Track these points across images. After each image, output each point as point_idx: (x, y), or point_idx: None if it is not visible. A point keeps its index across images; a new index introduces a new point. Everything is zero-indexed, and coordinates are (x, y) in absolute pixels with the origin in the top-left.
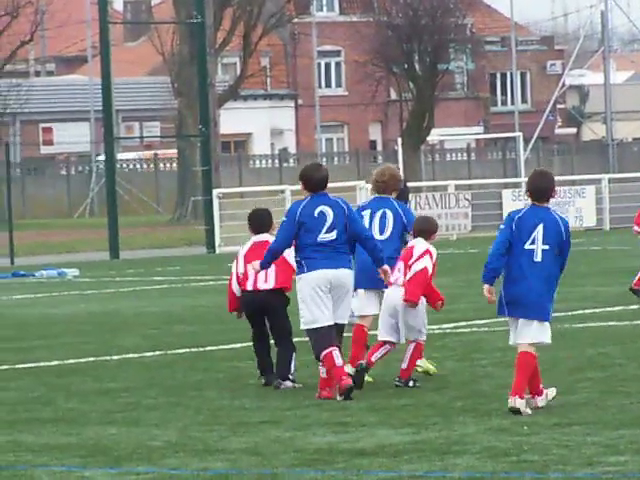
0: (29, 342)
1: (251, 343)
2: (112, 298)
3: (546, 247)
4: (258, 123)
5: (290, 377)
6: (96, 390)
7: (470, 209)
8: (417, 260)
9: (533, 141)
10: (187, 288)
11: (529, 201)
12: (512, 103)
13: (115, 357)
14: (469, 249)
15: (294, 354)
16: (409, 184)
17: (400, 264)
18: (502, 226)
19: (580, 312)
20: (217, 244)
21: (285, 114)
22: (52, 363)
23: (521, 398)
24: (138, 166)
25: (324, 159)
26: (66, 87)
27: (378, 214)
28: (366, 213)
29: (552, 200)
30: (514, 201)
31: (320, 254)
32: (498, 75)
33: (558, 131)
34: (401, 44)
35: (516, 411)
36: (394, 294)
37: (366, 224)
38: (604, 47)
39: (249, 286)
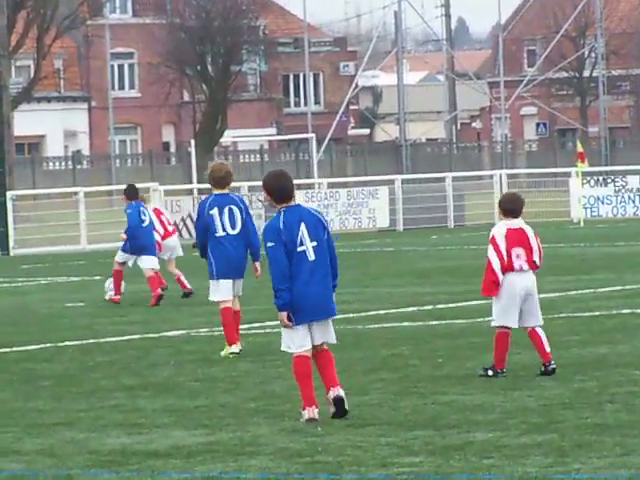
0: None
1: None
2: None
3: (314, 244)
4: (52, 125)
5: None
6: None
7: (264, 210)
8: (536, 239)
9: (326, 142)
10: None
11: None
12: (305, 104)
13: None
14: (262, 251)
15: None
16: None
17: (519, 250)
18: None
19: (374, 313)
20: (11, 246)
21: (79, 116)
22: None
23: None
24: None
25: (117, 161)
26: None
27: (226, 211)
28: (215, 212)
29: (344, 200)
30: (307, 202)
31: None
32: (291, 76)
33: (351, 132)
34: (194, 46)
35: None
36: (523, 280)
37: (218, 222)
38: (397, 48)
39: None
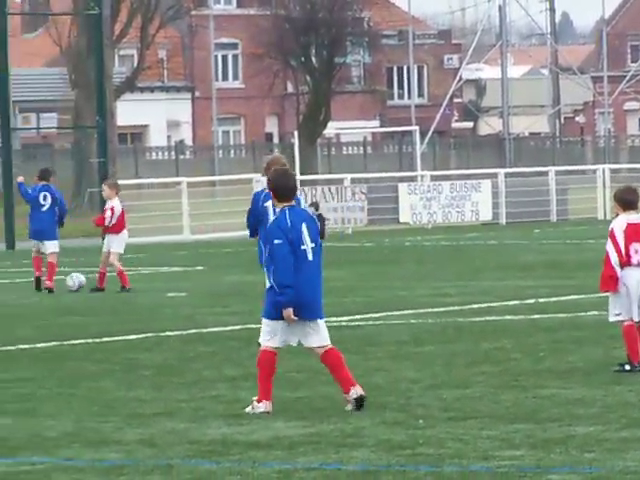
0: None
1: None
2: (6, 289)
3: (313, 245)
4: (155, 115)
5: None
6: None
7: (366, 203)
8: None
9: (429, 135)
10: (87, 279)
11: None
12: (409, 97)
13: (8, 347)
14: (365, 242)
15: None
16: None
17: (638, 245)
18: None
19: (476, 306)
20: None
21: (182, 106)
22: None
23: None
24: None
25: (220, 151)
26: None
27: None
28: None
29: (447, 193)
30: (410, 195)
31: None
32: (395, 69)
33: (455, 125)
34: (298, 37)
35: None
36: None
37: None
38: (501, 41)
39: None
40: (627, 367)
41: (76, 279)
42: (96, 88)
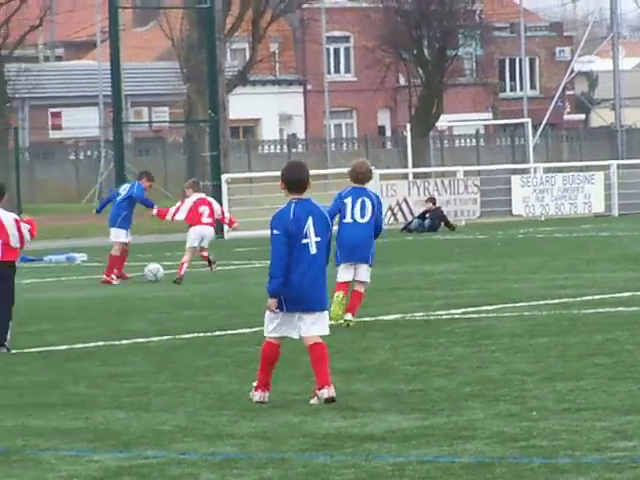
0: (38, 326)
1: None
2: (121, 283)
3: (318, 239)
4: (267, 109)
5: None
6: (105, 374)
7: (479, 195)
8: None
9: (542, 127)
10: (195, 273)
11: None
12: (521, 89)
13: (124, 342)
14: (478, 235)
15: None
16: (418, 170)
17: None
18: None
19: (589, 298)
20: (226, 229)
21: (294, 100)
22: (61, 347)
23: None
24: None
25: (332, 144)
26: (75, 72)
27: (359, 201)
28: (348, 200)
29: (560, 185)
30: (523, 187)
31: None
32: (507, 61)
33: (567, 117)
34: (410, 30)
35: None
36: None
37: (348, 209)
38: (613, 33)
39: None
40: None
41: (154, 271)
42: (208, 82)
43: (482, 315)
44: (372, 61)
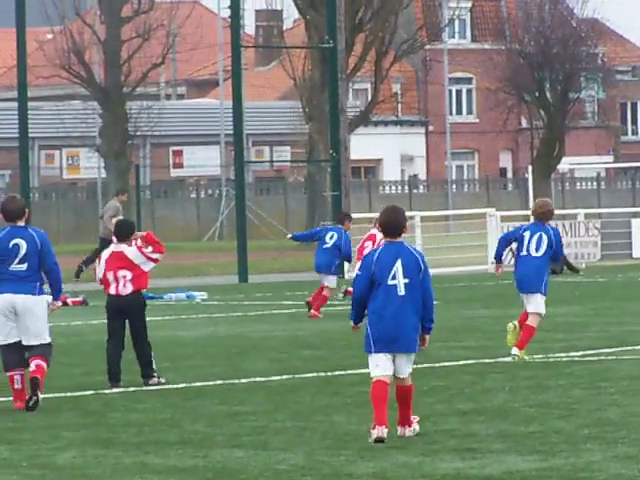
0: (157, 364)
1: None
2: (240, 322)
3: (407, 280)
4: (388, 149)
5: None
6: (223, 413)
7: (599, 238)
8: None
9: None
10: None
11: None
12: None
13: (243, 380)
14: (598, 278)
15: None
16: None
17: None
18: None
19: None
20: (346, 269)
21: (415, 140)
22: (179, 385)
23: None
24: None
25: (454, 186)
26: (197, 110)
27: (535, 236)
28: (526, 234)
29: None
30: None
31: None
32: (628, 104)
33: None
34: (532, 72)
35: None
36: None
37: (525, 242)
38: None
39: (112, 290)
40: None
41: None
42: (330, 121)
43: (601, 357)
44: (494, 103)
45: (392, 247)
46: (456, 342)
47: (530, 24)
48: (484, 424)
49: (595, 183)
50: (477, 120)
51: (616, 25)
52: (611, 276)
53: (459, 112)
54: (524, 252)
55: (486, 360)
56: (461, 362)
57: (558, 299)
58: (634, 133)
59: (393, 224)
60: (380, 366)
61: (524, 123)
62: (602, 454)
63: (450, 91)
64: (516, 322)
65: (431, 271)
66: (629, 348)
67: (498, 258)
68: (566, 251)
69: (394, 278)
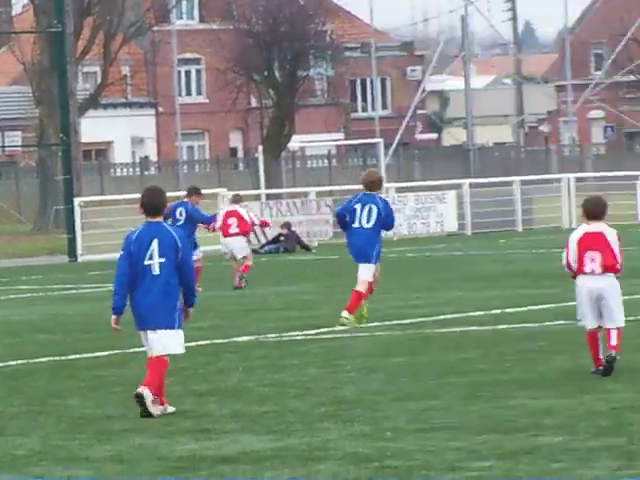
0: None
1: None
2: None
3: (163, 260)
4: (119, 131)
5: None
6: None
7: (331, 216)
8: (617, 242)
9: (394, 147)
10: (50, 297)
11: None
12: (372, 109)
13: None
14: (331, 255)
15: None
16: (270, 191)
17: (593, 254)
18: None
19: (442, 317)
20: (79, 253)
21: (146, 122)
22: None
23: (149, 390)
24: None
25: (185, 167)
26: None
27: (366, 208)
28: (357, 206)
29: (412, 205)
30: None
31: None
32: (358, 81)
33: (419, 136)
34: (261, 51)
35: (140, 396)
36: (596, 282)
37: (357, 214)
38: (464, 52)
39: None
40: (594, 370)
41: None
42: (60, 105)
43: (336, 335)
44: (223, 83)
45: (151, 227)
46: (190, 323)
47: (258, 3)
48: (218, 404)
49: (326, 161)
50: (207, 101)
51: (344, 2)
52: (343, 253)
53: (189, 93)
54: (356, 224)
55: (220, 340)
56: (195, 343)
57: (291, 277)
58: (364, 110)
59: (154, 204)
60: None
61: (254, 102)
62: (338, 432)
63: (179, 72)
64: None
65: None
66: (363, 325)
67: (343, 227)
68: (298, 229)
69: (151, 258)
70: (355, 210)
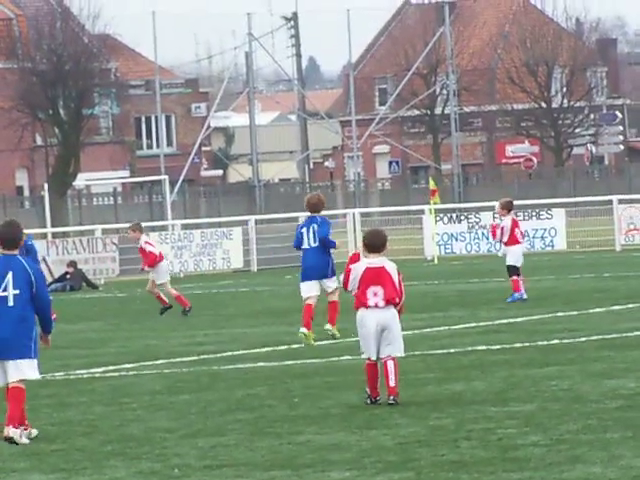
0: None
1: None
2: None
3: (17, 292)
4: None
5: None
6: None
7: (117, 253)
8: (398, 277)
9: (179, 184)
10: None
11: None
12: (157, 146)
13: None
14: (117, 293)
15: None
16: (57, 229)
17: (376, 288)
18: None
19: (229, 353)
20: None
21: None
22: None
23: (15, 428)
24: None
25: None
26: None
27: (311, 229)
28: (304, 230)
29: (198, 241)
30: (161, 244)
31: None
32: (143, 118)
33: (204, 173)
34: (46, 89)
35: (10, 439)
36: (379, 316)
37: (305, 237)
38: (249, 88)
39: None
40: (368, 401)
41: None
42: None
43: (122, 373)
44: (8, 121)
45: (5, 260)
46: None
47: (42, 42)
48: (6, 444)
49: (112, 198)
50: None
51: (128, 40)
52: (130, 291)
53: None
54: (306, 245)
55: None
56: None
57: (77, 316)
58: (149, 147)
59: (6, 237)
60: None
61: (39, 141)
62: (126, 470)
63: None
64: (304, 330)
65: None
66: (149, 363)
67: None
68: (85, 267)
69: (5, 290)
70: (302, 234)
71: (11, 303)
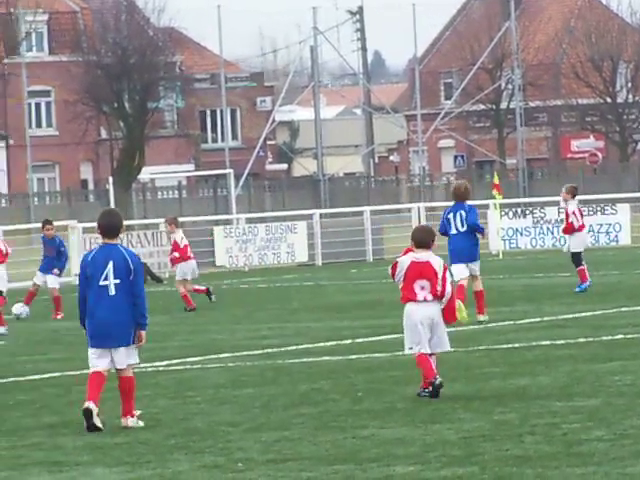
0: None
1: None
2: None
3: (117, 281)
4: None
5: None
6: None
7: None
8: (444, 271)
9: (244, 178)
10: None
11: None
12: (222, 140)
13: None
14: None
15: None
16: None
17: (423, 282)
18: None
19: (293, 348)
20: None
21: None
22: None
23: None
24: None
25: (36, 199)
26: None
27: (458, 214)
28: (450, 216)
29: (263, 235)
30: (225, 237)
31: None
32: (208, 112)
33: (269, 167)
34: (111, 83)
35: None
36: (427, 310)
37: (452, 223)
38: (314, 82)
39: None
40: (427, 394)
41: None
42: None
43: (187, 367)
44: (73, 115)
45: (106, 249)
46: (41, 355)
47: (107, 35)
48: (71, 437)
49: (176, 192)
50: (57, 132)
51: (193, 34)
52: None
53: (39, 125)
54: (454, 231)
55: (70, 372)
56: (46, 375)
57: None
58: (214, 141)
59: (109, 226)
60: (96, 359)
61: (104, 134)
62: (189, 464)
63: (29, 104)
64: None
65: (14, 284)
66: (213, 356)
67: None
68: (149, 261)
69: (106, 279)
70: (448, 219)
71: (112, 292)
